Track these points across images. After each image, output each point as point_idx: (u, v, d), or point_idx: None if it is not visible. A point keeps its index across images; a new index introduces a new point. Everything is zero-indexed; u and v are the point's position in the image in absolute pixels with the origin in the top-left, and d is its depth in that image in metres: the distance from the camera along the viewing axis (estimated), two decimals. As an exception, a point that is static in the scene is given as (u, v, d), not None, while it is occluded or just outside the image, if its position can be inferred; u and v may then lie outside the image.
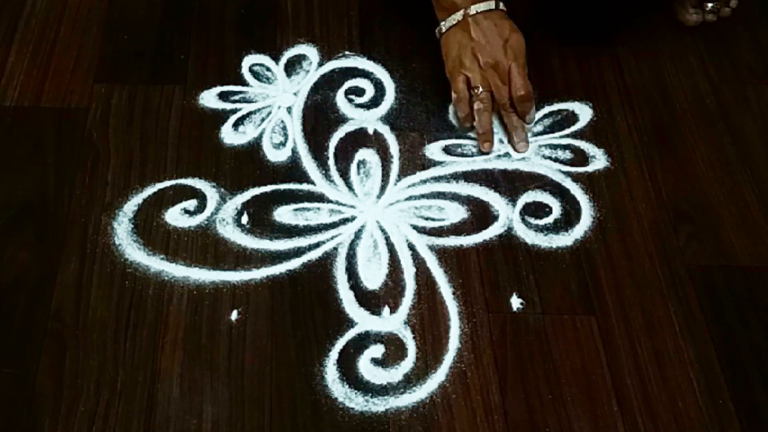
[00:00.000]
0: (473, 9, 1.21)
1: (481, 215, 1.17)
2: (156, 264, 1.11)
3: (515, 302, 1.09)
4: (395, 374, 1.03)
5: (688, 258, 1.14)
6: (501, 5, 1.23)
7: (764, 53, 1.37)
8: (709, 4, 1.38)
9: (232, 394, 1.01)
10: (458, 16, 1.22)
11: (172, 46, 1.34)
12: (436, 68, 1.30)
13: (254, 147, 1.23)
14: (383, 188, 1.19)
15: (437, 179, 1.20)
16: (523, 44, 1.21)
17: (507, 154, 1.23)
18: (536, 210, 1.18)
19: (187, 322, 1.06)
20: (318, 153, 1.22)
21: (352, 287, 1.10)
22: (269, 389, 1.02)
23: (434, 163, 1.22)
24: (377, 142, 1.24)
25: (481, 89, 1.21)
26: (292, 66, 1.32)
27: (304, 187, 1.19)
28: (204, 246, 1.13)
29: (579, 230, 1.16)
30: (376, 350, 1.05)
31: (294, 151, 1.23)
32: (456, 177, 1.21)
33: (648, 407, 1.01)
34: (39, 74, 1.30)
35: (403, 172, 1.21)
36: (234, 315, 1.07)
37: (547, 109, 1.28)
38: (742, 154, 1.25)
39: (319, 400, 1.01)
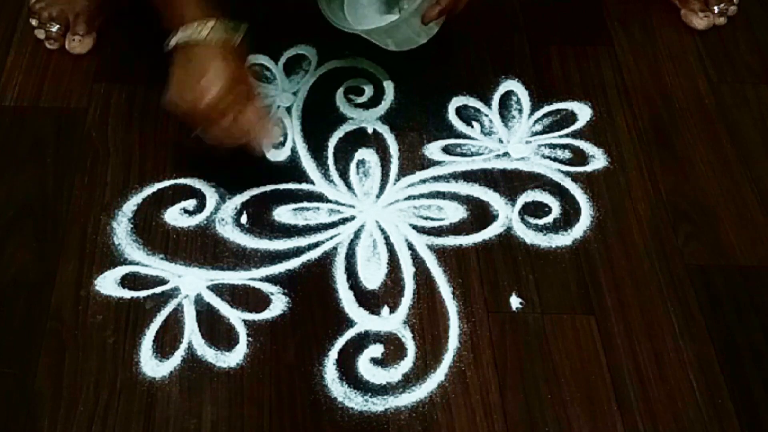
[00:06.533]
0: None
1: (480, 215, 1.17)
2: (155, 263, 1.11)
3: (514, 302, 1.09)
4: (394, 374, 1.03)
5: (688, 257, 1.14)
6: (234, 36, 1.08)
7: (763, 53, 1.37)
8: (716, 7, 1.38)
9: (232, 394, 1.01)
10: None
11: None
12: (435, 67, 1.30)
13: (254, 147, 1.23)
14: (382, 188, 1.19)
15: (436, 179, 1.20)
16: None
17: (506, 154, 1.23)
18: (535, 209, 1.18)
19: (186, 321, 1.06)
20: (317, 153, 1.22)
21: (351, 287, 1.10)
22: (269, 389, 1.02)
23: (433, 163, 1.22)
24: (376, 142, 1.24)
25: None
26: (291, 66, 1.32)
27: (304, 186, 1.19)
28: (203, 246, 1.13)
29: (578, 230, 1.16)
30: (376, 350, 1.05)
31: (293, 150, 1.23)
32: (455, 177, 1.21)
33: (647, 407, 1.01)
34: (38, 74, 1.30)
35: (403, 172, 1.21)
36: (233, 314, 1.07)
37: (546, 109, 1.28)
38: (741, 154, 1.25)
39: (318, 400, 1.01)
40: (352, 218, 1.16)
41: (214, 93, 1.06)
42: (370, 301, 1.09)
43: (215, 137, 1.09)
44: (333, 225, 1.15)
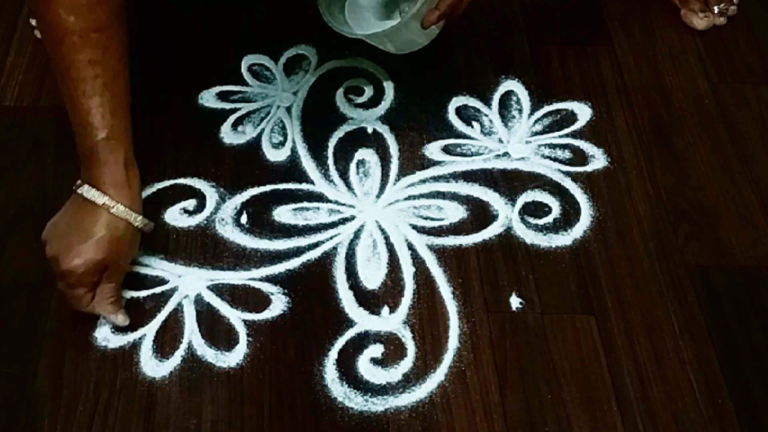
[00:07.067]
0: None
1: (480, 215, 1.17)
2: (155, 263, 1.11)
3: (514, 302, 1.09)
4: (394, 374, 1.03)
5: (688, 257, 1.14)
6: (138, 221, 1.03)
7: (763, 53, 1.37)
8: (716, 7, 1.38)
9: (232, 394, 1.01)
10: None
11: (172, 45, 1.34)
12: (435, 67, 1.30)
13: (253, 147, 1.23)
14: (382, 188, 1.19)
15: (436, 179, 1.20)
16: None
17: (506, 154, 1.23)
18: (535, 209, 1.18)
19: (186, 321, 1.06)
20: (317, 152, 1.22)
21: (351, 287, 1.10)
22: (269, 389, 1.02)
23: (433, 163, 1.22)
24: (376, 142, 1.24)
25: None
26: (291, 66, 1.32)
27: (304, 186, 1.19)
28: (203, 246, 1.13)
29: (578, 230, 1.16)
30: (376, 350, 1.05)
31: (293, 150, 1.23)
32: (455, 176, 1.21)
33: (647, 407, 1.01)
34: (38, 73, 1.30)
35: (403, 172, 1.21)
36: (233, 314, 1.07)
37: (546, 109, 1.28)
38: (741, 154, 1.25)
39: (318, 400, 1.01)
40: (352, 218, 1.16)
41: (81, 262, 1.00)
42: (370, 301, 1.09)
43: (63, 293, 1.04)
44: (333, 225, 1.15)
